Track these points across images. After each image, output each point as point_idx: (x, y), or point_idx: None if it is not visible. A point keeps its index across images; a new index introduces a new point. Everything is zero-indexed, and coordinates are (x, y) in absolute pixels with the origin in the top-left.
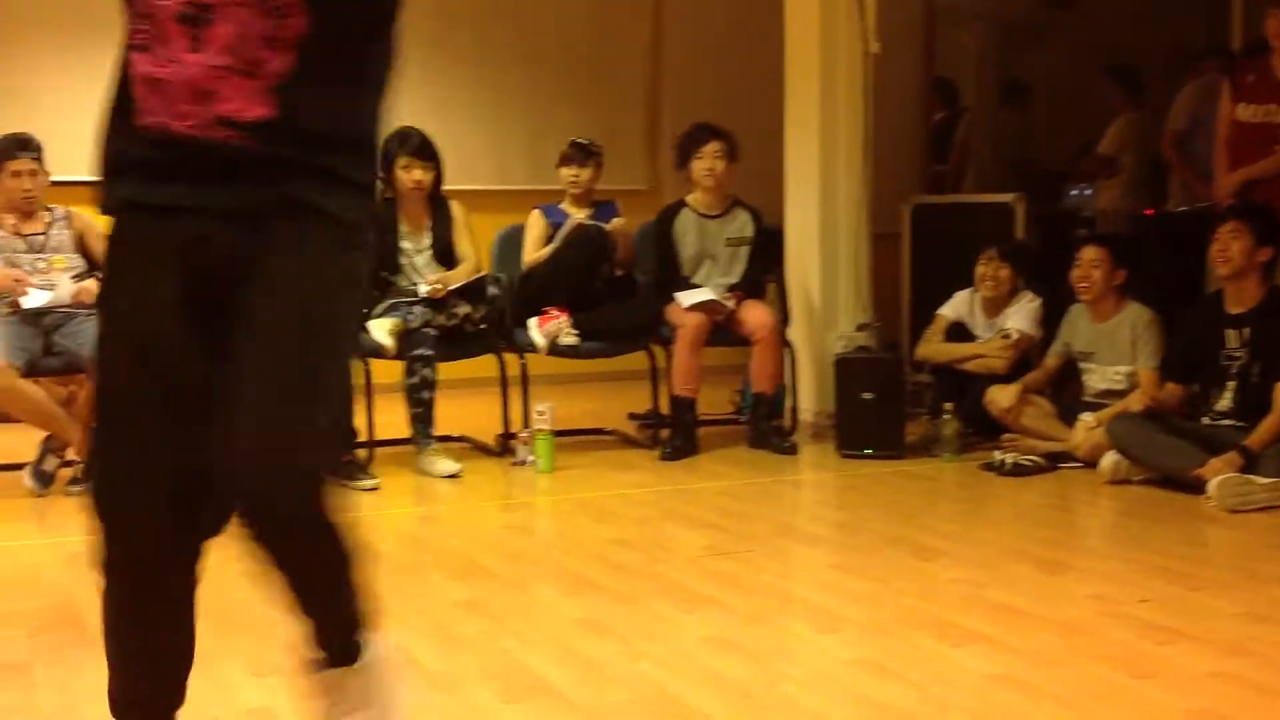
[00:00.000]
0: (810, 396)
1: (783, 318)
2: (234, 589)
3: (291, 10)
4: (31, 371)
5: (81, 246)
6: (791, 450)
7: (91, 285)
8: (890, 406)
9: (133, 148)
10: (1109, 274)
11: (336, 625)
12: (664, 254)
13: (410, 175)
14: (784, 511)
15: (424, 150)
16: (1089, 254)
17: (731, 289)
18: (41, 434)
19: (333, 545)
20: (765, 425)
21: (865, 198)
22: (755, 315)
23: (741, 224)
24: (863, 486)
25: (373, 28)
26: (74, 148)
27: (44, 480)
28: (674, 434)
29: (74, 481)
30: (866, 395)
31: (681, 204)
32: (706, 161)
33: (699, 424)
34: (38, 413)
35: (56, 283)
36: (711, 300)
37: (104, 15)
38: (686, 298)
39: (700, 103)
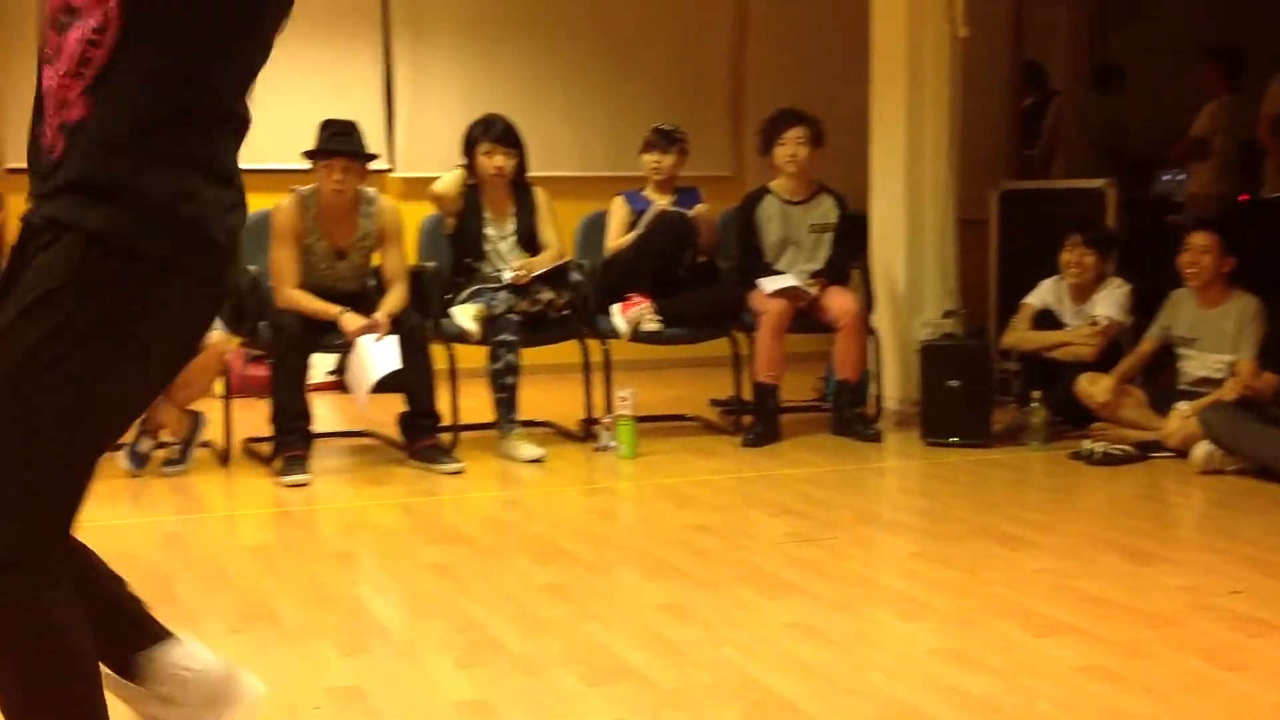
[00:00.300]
0: (895, 384)
1: (867, 304)
2: (323, 571)
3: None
4: None
5: None
6: (875, 438)
7: None
8: (977, 394)
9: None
10: (1218, 260)
11: None
12: (747, 240)
13: (492, 161)
14: (867, 499)
15: (506, 137)
16: (1198, 239)
17: (815, 275)
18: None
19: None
20: (849, 412)
21: (952, 183)
22: (839, 302)
23: (825, 210)
24: (948, 475)
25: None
26: None
27: (139, 461)
28: (756, 420)
29: (168, 463)
30: (952, 383)
31: (765, 190)
32: (789, 147)
33: (781, 411)
34: None
35: None
36: (795, 286)
37: None
38: (770, 284)
39: (785, 87)
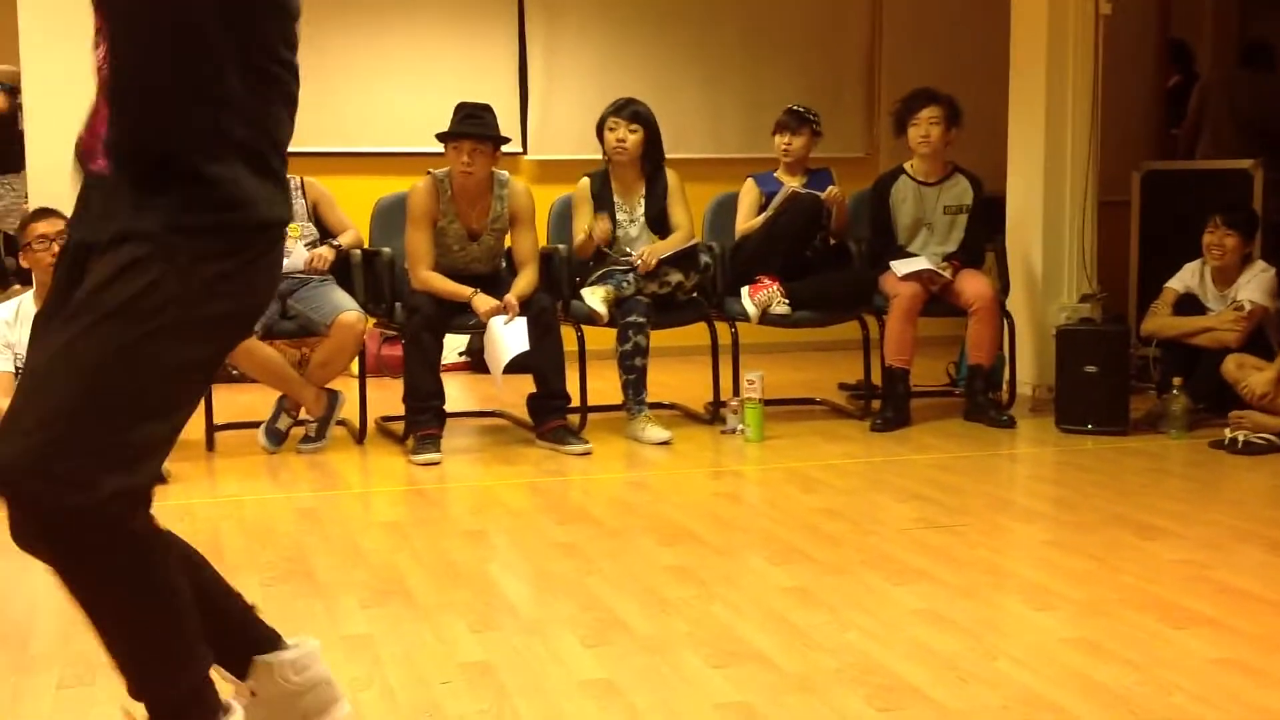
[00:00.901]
0: (1029, 369)
1: (1002, 287)
2: (453, 548)
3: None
4: (267, 335)
5: (315, 215)
6: (1009, 424)
7: (325, 252)
8: (1114, 381)
9: None
10: None
11: (135, 677)
12: (879, 222)
13: (613, 135)
14: (999, 486)
15: (628, 112)
16: None
17: (949, 258)
18: (275, 394)
19: (103, 566)
20: (981, 398)
21: (1093, 164)
22: (973, 285)
23: (960, 191)
24: (1083, 463)
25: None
26: (311, 121)
27: (277, 438)
28: (886, 405)
29: (306, 440)
30: (1090, 368)
31: (899, 171)
32: (922, 128)
33: (912, 395)
34: (272, 373)
35: (291, 250)
36: (928, 269)
37: None
38: (902, 266)
39: (920, 67)
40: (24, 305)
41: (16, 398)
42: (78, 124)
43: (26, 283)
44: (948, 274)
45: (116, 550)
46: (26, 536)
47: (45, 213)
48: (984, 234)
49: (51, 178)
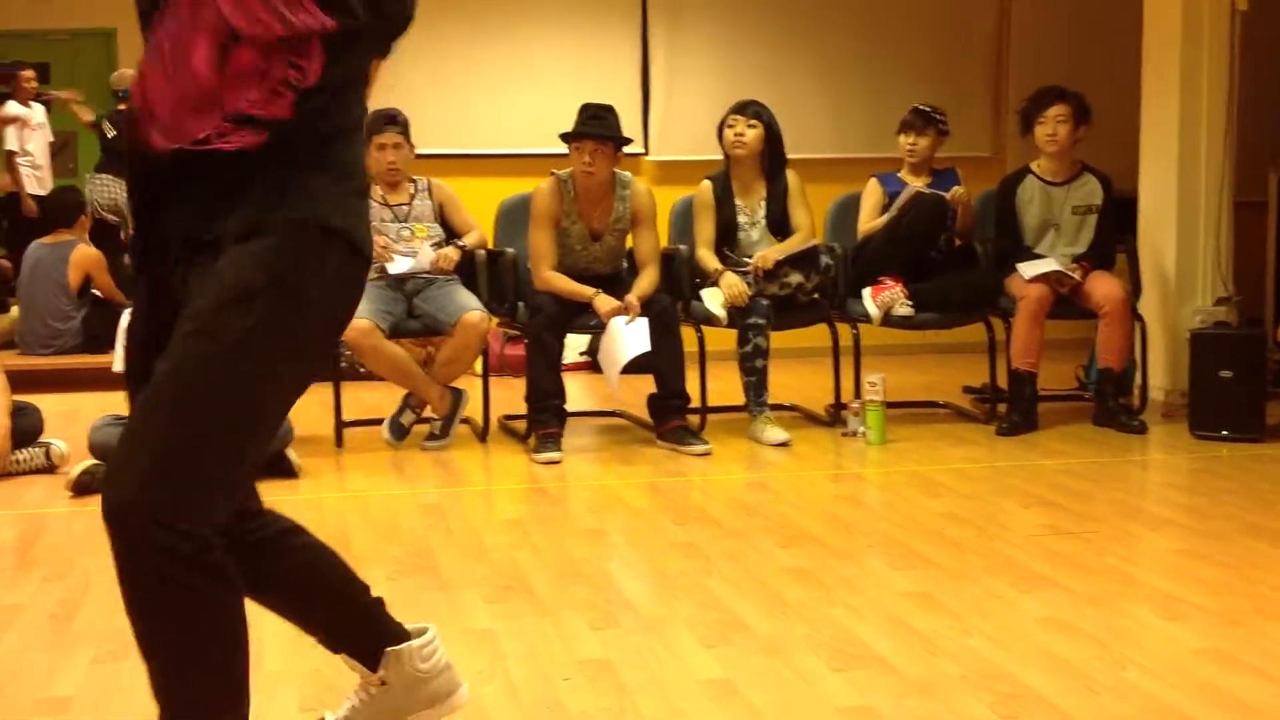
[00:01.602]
0: (1161, 374)
1: (1133, 290)
2: (574, 546)
3: None
4: (394, 333)
5: (441, 216)
6: (1140, 429)
7: (451, 253)
8: (1251, 386)
9: None
10: None
11: (179, 710)
12: (1006, 222)
13: (732, 130)
14: (1129, 493)
15: (748, 110)
16: None
17: (1077, 259)
18: (401, 391)
19: (180, 598)
20: (1111, 403)
21: (1228, 163)
22: (1103, 287)
23: (1089, 191)
24: (1217, 470)
25: None
26: (438, 124)
27: (401, 434)
28: (1012, 409)
29: (430, 437)
30: (1225, 374)
31: (1026, 171)
32: (1049, 126)
33: (1039, 399)
34: (398, 371)
35: (418, 250)
36: (1056, 271)
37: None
38: (1029, 268)
39: (1050, 64)
40: None
41: (135, 419)
42: None
43: None
44: (1077, 276)
45: (196, 584)
46: (123, 567)
47: None
48: (1114, 235)
49: None
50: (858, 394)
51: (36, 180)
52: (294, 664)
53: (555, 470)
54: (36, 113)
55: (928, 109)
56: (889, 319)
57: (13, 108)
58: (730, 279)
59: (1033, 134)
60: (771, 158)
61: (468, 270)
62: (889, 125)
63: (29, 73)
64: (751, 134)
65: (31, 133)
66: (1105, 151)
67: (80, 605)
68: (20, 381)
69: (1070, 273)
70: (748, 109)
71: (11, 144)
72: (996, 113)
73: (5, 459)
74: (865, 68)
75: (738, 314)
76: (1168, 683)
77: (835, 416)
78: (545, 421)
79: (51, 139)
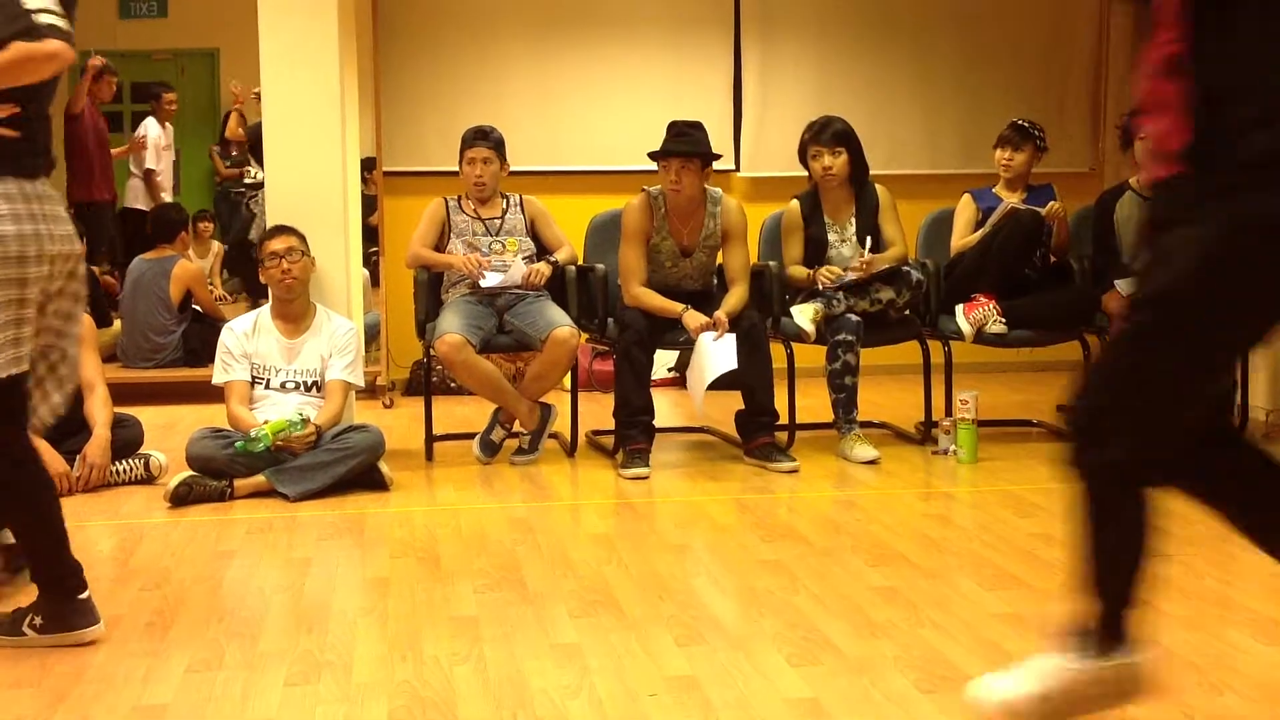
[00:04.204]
0: (1262, 393)
1: None
2: (661, 562)
3: None
4: (484, 348)
5: (533, 232)
6: None
7: (542, 268)
8: None
9: None
10: None
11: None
12: (1104, 239)
13: (818, 163)
14: None
15: (828, 137)
16: None
17: None
18: (490, 406)
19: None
20: None
21: None
22: None
23: None
24: None
25: None
26: (531, 140)
27: (490, 450)
28: None
29: (519, 452)
30: None
31: (1124, 186)
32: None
33: None
34: (489, 386)
35: (510, 265)
36: None
37: (564, 18)
38: (1127, 286)
39: None
40: (261, 318)
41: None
42: (313, 146)
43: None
44: None
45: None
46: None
47: (279, 230)
48: None
49: (288, 196)
50: (949, 412)
51: (166, 199)
52: (384, 676)
53: (643, 486)
54: (169, 133)
55: (1026, 124)
56: (982, 336)
57: (152, 128)
58: (826, 269)
59: (1133, 149)
60: (856, 174)
61: (558, 286)
62: (983, 141)
63: (171, 95)
64: (839, 162)
65: (163, 152)
66: None
67: (176, 615)
68: (121, 394)
69: None
70: (824, 134)
71: (150, 163)
72: (1095, 128)
73: (106, 470)
74: (960, 83)
75: (827, 330)
76: (1268, 710)
77: (926, 434)
78: (633, 437)
79: (174, 159)
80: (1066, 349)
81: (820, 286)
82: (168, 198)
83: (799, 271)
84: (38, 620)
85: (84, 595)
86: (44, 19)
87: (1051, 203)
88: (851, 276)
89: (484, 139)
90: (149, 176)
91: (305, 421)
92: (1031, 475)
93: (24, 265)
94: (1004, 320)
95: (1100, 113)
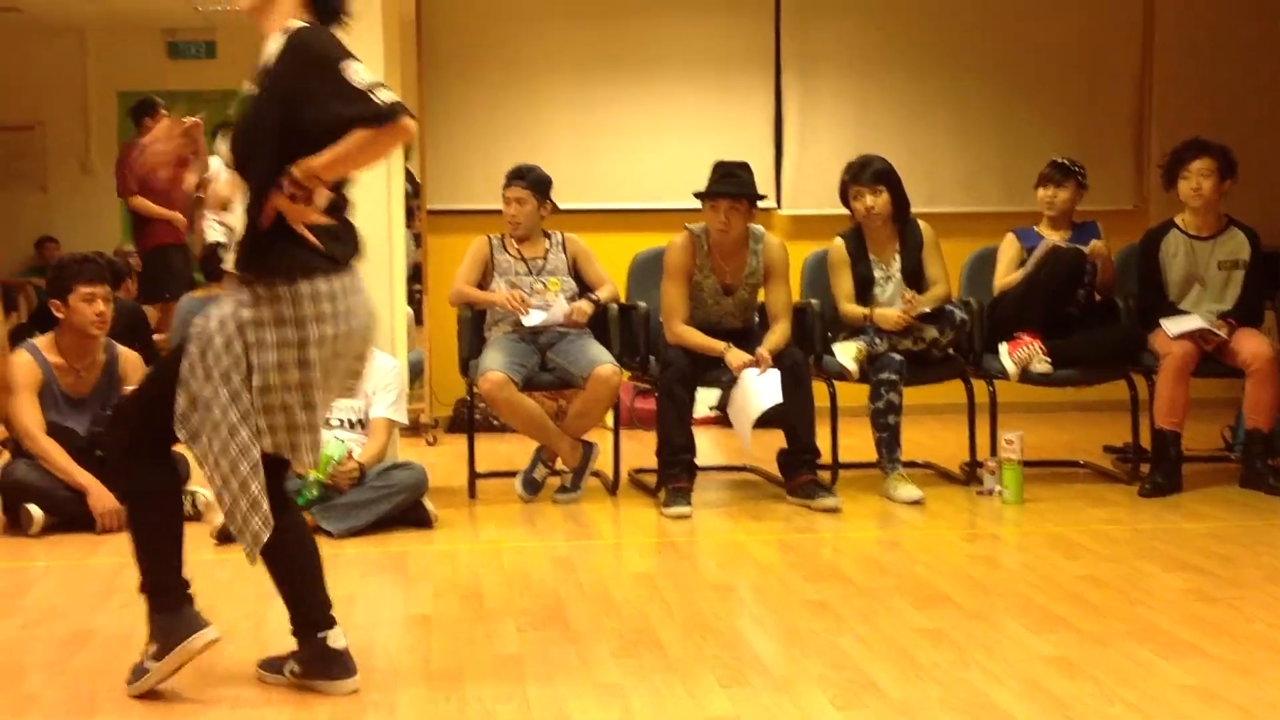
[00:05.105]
0: None
1: None
2: (703, 601)
3: None
4: (527, 386)
5: (575, 270)
6: None
7: (584, 306)
8: None
9: None
10: None
11: None
12: (1149, 277)
13: (861, 204)
14: (1278, 557)
15: (868, 176)
16: None
17: (1223, 316)
18: (533, 444)
19: None
20: (1260, 464)
21: None
22: (1250, 344)
23: (1236, 246)
24: None
25: None
26: (573, 179)
27: (533, 488)
28: (1155, 469)
29: (561, 490)
30: None
31: (1169, 225)
32: (1194, 180)
33: (1183, 459)
34: (531, 424)
35: (552, 303)
36: (1201, 327)
37: (606, 57)
38: (1173, 325)
39: (1193, 116)
40: None
41: None
42: (357, 185)
43: None
44: (1223, 333)
45: None
46: None
47: None
48: (1263, 290)
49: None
50: (994, 452)
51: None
52: (427, 715)
53: (685, 525)
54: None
55: (1066, 162)
56: (1026, 375)
57: (214, 163)
58: (885, 310)
59: (1176, 188)
60: (898, 212)
61: (600, 323)
62: (1025, 179)
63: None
64: (881, 201)
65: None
66: (1252, 205)
67: (221, 652)
68: None
69: (1216, 329)
70: (865, 174)
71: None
72: (1139, 165)
73: None
74: (1001, 122)
75: (870, 369)
76: None
77: (970, 475)
78: (675, 475)
79: None
80: (1112, 388)
81: (905, 314)
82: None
83: (854, 309)
84: (296, 667)
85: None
86: (384, 95)
87: (1095, 240)
88: (927, 308)
89: (519, 179)
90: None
91: (347, 454)
92: (1078, 516)
93: (336, 359)
94: (1049, 359)
95: (1144, 150)
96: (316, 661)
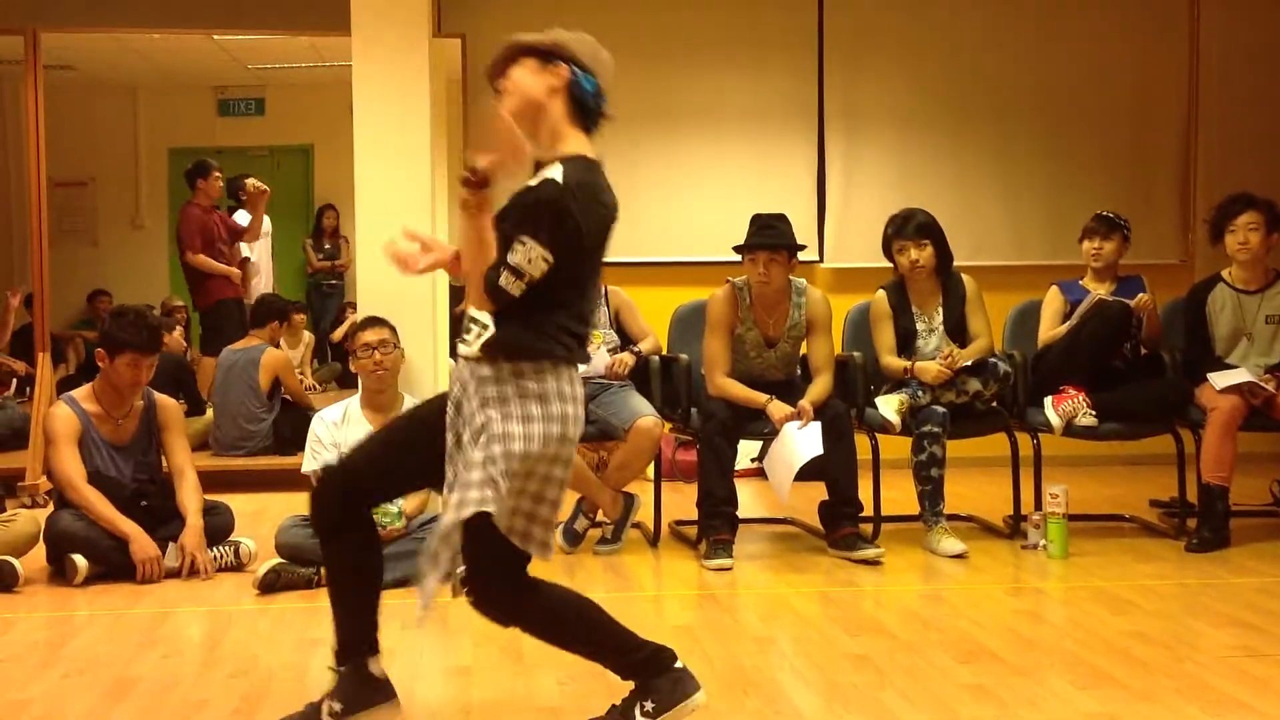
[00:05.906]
0: None
1: None
2: (744, 654)
3: None
4: None
5: (618, 322)
6: None
7: (626, 358)
8: None
9: None
10: None
11: None
12: (1196, 331)
13: (905, 257)
14: None
15: (911, 230)
16: None
17: (1271, 370)
18: (574, 495)
19: None
20: None
21: None
22: None
23: None
24: None
25: None
26: (618, 232)
27: (574, 539)
28: (1203, 524)
29: (602, 541)
30: None
31: (1216, 279)
32: (1240, 234)
33: (1231, 514)
34: (572, 475)
35: (594, 355)
36: (1249, 381)
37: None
38: (1221, 379)
39: (1239, 171)
40: (351, 408)
41: None
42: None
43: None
44: (1270, 387)
45: None
46: None
47: (372, 322)
48: None
49: (377, 289)
50: (1038, 506)
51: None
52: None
53: (726, 577)
54: (265, 222)
55: (1112, 215)
56: (1071, 429)
57: (243, 218)
58: (925, 363)
59: (1223, 242)
60: (942, 265)
61: (642, 375)
62: (1069, 232)
63: (252, 181)
64: (924, 254)
65: (259, 241)
66: None
67: (263, 701)
68: (212, 481)
69: (1264, 384)
70: (908, 227)
71: (246, 251)
72: (1184, 219)
73: (205, 558)
74: (1046, 175)
75: (913, 421)
76: None
77: (1014, 529)
78: (717, 527)
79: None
80: (1158, 442)
81: (943, 367)
82: (263, 285)
83: (895, 362)
84: (649, 705)
85: (679, 664)
86: (507, 282)
87: (1141, 294)
88: (966, 362)
89: None
90: (243, 265)
91: (400, 514)
92: (1124, 571)
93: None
94: (1094, 413)
95: (1190, 203)
96: (354, 689)
